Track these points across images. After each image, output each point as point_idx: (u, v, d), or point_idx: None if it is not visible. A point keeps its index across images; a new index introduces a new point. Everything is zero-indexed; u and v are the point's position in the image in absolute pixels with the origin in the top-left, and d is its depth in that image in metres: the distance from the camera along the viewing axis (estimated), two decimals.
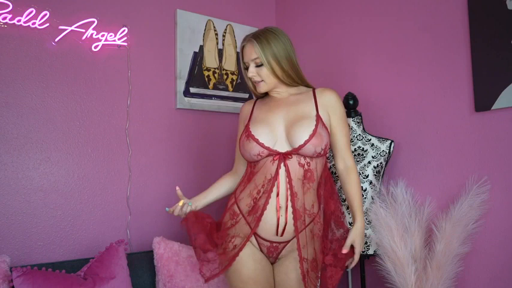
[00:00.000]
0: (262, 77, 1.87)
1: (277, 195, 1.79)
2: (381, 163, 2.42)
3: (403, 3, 2.59)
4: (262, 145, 1.81)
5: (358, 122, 2.50)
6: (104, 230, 2.59)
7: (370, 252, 2.36)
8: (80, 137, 2.56)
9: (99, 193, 2.59)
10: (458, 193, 2.24)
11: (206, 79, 3.04)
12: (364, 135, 2.49)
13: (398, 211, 2.26)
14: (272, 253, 1.88)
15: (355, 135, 2.49)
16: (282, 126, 1.85)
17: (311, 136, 1.78)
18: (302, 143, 1.78)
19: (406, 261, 2.17)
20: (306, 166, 1.81)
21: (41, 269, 2.13)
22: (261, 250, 1.88)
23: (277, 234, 1.82)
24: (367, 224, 2.36)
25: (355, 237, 1.85)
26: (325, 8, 3.07)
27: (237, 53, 3.18)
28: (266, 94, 2.03)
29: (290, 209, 1.79)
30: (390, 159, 2.52)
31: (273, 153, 1.81)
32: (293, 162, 1.80)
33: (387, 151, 2.43)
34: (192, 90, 2.96)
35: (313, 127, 1.80)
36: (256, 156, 1.82)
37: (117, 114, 2.69)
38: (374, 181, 2.41)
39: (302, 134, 1.79)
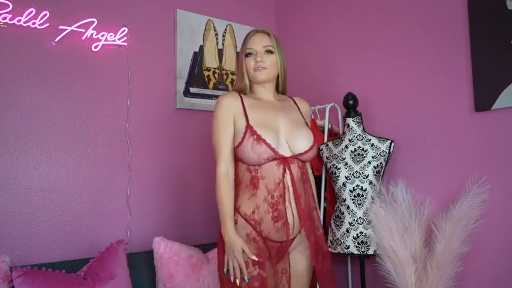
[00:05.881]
0: (268, 64, 1.97)
1: (285, 198, 1.88)
2: (380, 163, 2.42)
3: (403, 3, 2.59)
4: (273, 150, 1.86)
5: (358, 122, 2.50)
6: (104, 230, 2.59)
7: (370, 252, 2.36)
8: (80, 137, 2.56)
9: (99, 193, 2.59)
10: (458, 193, 2.23)
11: (206, 79, 3.04)
12: (364, 135, 2.49)
13: (398, 211, 2.26)
14: (281, 253, 1.91)
15: (355, 135, 2.49)
16: (282, 131, 1.94)
17: (314, 143, 1.97)
18: (307, 148, 1.93)
19: (406, 261, 2.17)
20: (302, 169, 1.95)
21: (41, 269, 2.13)
22: (269, 253, 1.89)
23: (287, 236, 1.88)
24: (367, 224, 2.36)
25: None
26: (325, 7, 3.07)
27: (237, 53, 3.18)
28: (248, 91, 2.04)
29: (295, 210, 1.90)
30: (390, 159, 2.52)
31: (278, 158, 1.87)
32: (294, 166, 1.91)
33: (387, 151, 2.43)
34: (192, 90, 2.96)
35: (313, 136, 1.99)
36: (264, 160, 1.85)
37: (117, 114, 2.69)
38: (374, 181, 2.41)
39: (305, 142, 1.94)
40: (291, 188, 1.89)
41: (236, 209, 1.89)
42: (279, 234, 1.87)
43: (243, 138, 1.86)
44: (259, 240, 1.86)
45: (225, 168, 1.89)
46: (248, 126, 1.88)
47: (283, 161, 1.87)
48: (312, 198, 2.00)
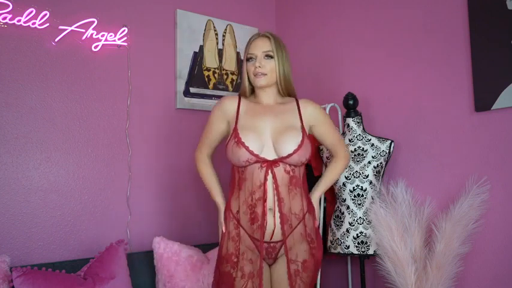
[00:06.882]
0: (268, 70, 1.97)
1: (265, 200, 1.87)
2: (380, 163, 2.42)
3: (403, 4, 2.59)
4: (251, 152, 1.88)
5: (358, 122, 2.50)
6: (104, 230, 2.58)
7: (370, 252, 2.36)
8: (80, 137, 2.56)
9: (99, 193, 2.59)
10: (458, 193, 2.23)
11: (206, 79, 3.04)
12: (364, 135, 2.49)
13: (398, 211, 2.26)
14: (271, 253, 1.94)
15: (355, 135, 2.49)
16: (268, 134, 1.94)
17: (299, 146, 1.91)
18: (291, 152, 1.90)
19: (406, 261, 2.17)
20: (291, 173, 1.92)
21: (41, 269, 2.13)
22: (259, 252, 1.90)
23: (261, 239, 1.88)
24: (367, 224, 2.36)
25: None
26: (325, 7, 3.07)
27: (237, 53, 3.18)
28: (251, 94, 2.09)
29: (277, 213, 1.89)
30: (390, 159, 2.52)
31: (260, 161, 1.88)
32: (279, 169, 1.90)
33: (387, 151, 2.43)
34: (192, 90, 2.96)
35: (300, 138, 1.93)
36: (244, 162, 1.89)
37: (117, 114, 2.69)
38: (374, 181, 2.41)
39: (290, 145, 1.91)
40: (273, 192, 1.88)
41: (228, 207, 1.97)
42: (257, 236, 1.89)
43: (229, 140, 1.95)
44: (237, 240, 1.91)
45: (199, 152, 2.12)
46: (234, 129, 1.94)
47: (266, 164, 1.88)
48: (306, 202, 1.97)
